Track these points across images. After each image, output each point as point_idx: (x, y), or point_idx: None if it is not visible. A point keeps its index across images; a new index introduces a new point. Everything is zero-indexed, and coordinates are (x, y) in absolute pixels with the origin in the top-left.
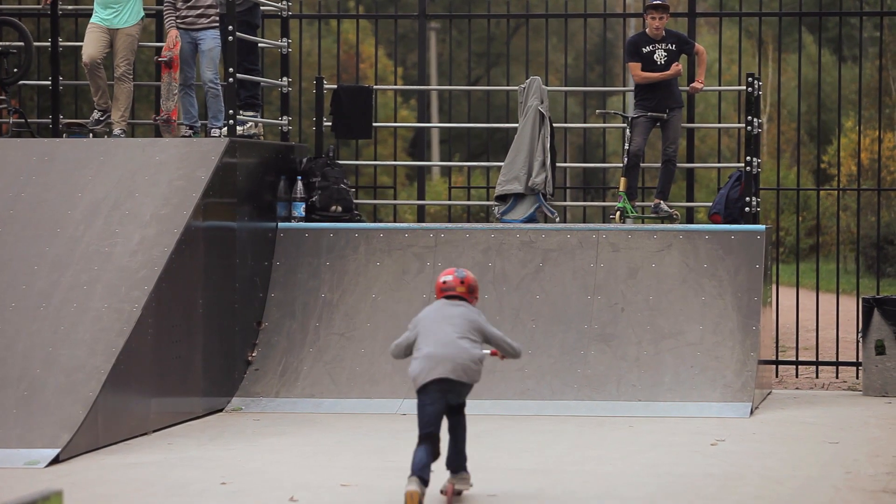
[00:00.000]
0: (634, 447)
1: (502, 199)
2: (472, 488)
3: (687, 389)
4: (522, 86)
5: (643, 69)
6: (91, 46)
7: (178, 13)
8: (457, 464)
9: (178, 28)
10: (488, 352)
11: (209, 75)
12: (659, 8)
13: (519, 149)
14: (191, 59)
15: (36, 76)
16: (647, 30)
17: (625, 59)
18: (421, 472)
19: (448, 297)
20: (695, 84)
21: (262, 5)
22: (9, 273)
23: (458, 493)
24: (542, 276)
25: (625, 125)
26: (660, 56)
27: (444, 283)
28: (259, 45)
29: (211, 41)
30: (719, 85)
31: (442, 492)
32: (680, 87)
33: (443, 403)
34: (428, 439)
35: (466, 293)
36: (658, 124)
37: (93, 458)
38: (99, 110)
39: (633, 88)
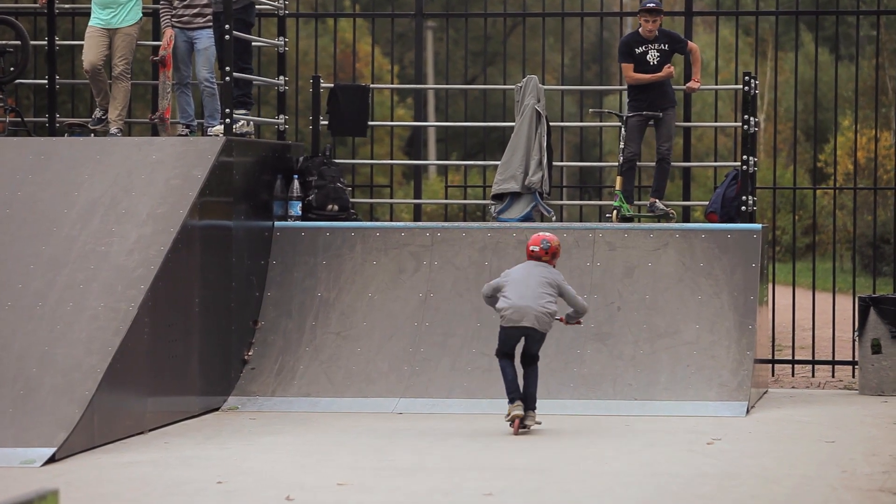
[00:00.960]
0: (630, 446)
1: (499, 197)
2: (468, 487)
3: (683, 388)
4: (519, 85)
5: (636, 69)
6: (91, 52)
7: (174, 12)
8: (528, 404)
9: (173, 27)
10: (558, 317)
11: (205, 74)
12: (652, 12)
13: (515, 148)
14: (186, 58)
15: (32, 75)
16: (640, 30)
17: (619, 59)
18: (516, 394)
19: (535, 260)
20: (691, 84)
21: (259, 4)
22: (4, 272)
23: (526, 426)
24: None
25: (620, 124)
26: (652, 56)
27: (532, 251)
28: (254, 43)
29: (206, 40)
30: (716, 84)
31: (510, 421)
32: (675, 87)
33: (518, 340)
34: (507, 356)
35: (550, 259)
36: (651, 123)
37: (89, 457)
38: (101, 109)
39: (627, 88)
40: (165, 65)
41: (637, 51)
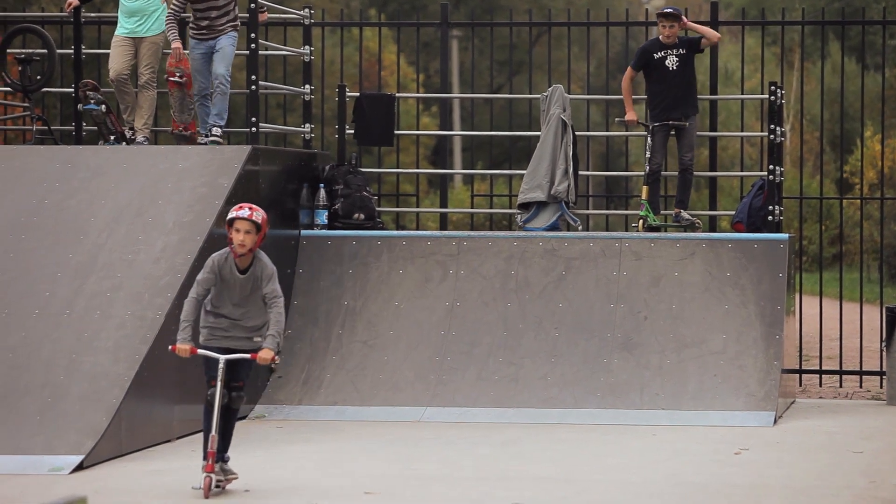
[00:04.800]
0: (657, 456)
1: (525, 207)
2: (495, 496)
3: (710, 398)
4: (545, 94)
5: (655, 75)
6: (117, 61)
7: (191, 23)
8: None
9: (192, 38)
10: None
11: (221, 70)
12: (669, 17)
13: (541, 157)
14: (206, 69)
15: (59, 84)
16: (660, 36)
17: (631, 62)
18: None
19: None
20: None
21: (285, 13)
22: (31, 280)
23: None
24: (564, 285)
25: (646, 133)
26: (671, 62)
27: None
28: (280, 52)
29: (226, 39)
30: (742, 93)
31: None
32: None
33: None
34: None
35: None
36: (673, 133)
37: (116, 465)
38: (129, 128)
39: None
40: (186, 85)
41: (656, 56)
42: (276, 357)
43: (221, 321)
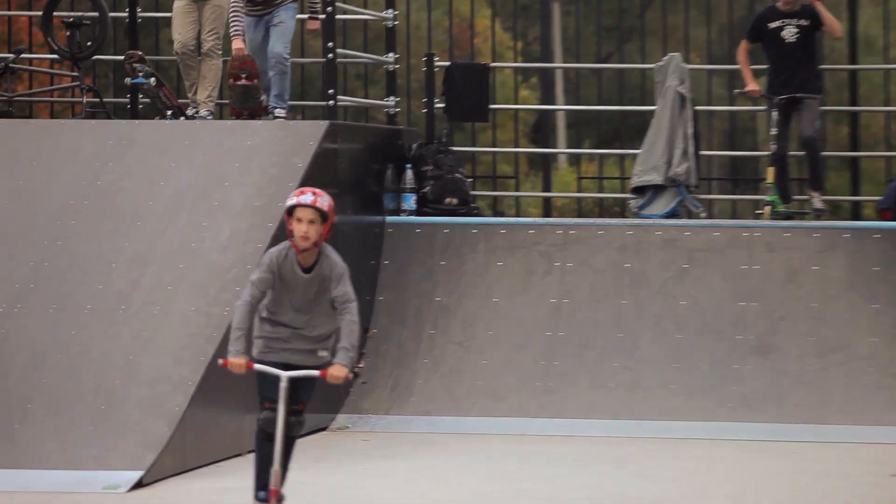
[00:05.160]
0: (800, 478)
1: (639, 191)
2: None
3: (859, 411)
4: (659, 64)
5: (770, 46)
6: (181, 31)
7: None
8: None
9: (248, 16)
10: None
11: (279, 49)
12: None
13: (657, 135)
14: (263, 51)
15: (111, 50)
16: (778, 2)
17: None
18: None
19: None
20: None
21: None
22: (83, 271)
23: None
24: (687, 280)
25: (768, 108)
26: (789, 33)
27: None
28: (361, 17)
29: (285, 13)
30: (884, 62)
31: None
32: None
33: None
34: None
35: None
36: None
37: (180, 482)
38: (192, 106)
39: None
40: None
41: (771, 26)
42: (350, 375)
43: (280, 330)
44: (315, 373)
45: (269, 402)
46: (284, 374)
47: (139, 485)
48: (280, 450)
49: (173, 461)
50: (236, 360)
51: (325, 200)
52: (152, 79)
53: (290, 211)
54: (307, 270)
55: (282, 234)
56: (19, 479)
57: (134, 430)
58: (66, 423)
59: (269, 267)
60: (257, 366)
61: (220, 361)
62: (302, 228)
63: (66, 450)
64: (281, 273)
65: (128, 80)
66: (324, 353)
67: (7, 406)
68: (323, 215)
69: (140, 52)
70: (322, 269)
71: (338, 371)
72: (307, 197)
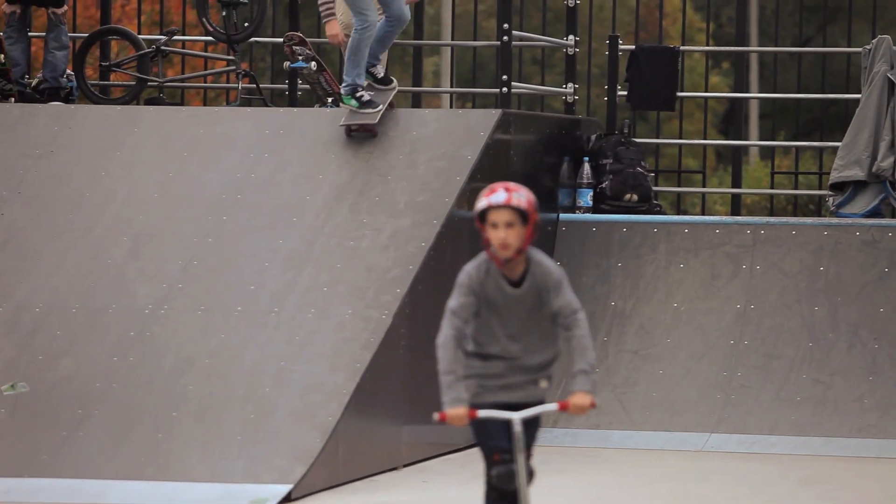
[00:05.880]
0: None
1: (839, 187)
2: None
3: None
4: (867, 47)
5: None
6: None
7: None
8: None
9: None
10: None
11: (406, 13)
12: None
13: (861, 125)
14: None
15: (269, 32)
16: None
17: None
18: None
19: None
20: None
21: None
22: (234, 271)
23: None
24: (887, 285)
25: None
26: None
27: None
28: None
29: None
30: None
31: None
32: None
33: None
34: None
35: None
36: None
37: (332, 496)
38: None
39: None
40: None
41: None
42: (595, 403)
43: (493, 364)
44: (553, 406)
45: (500, 453)
46: (517, 417)
47: (288, 499)
48: None
49: (325, 474)
50: (455, 412)
51: (521, 196)
52: (313, 63)
53: (482, 216)
54: (516, 284)
55: (448, 232)
56: (163, 492)
57: (284, 441)
58: (212, 433)
59: (470, 288)
60: (482, 412)
61: (436, 416)
62: (499, 235)
63: (212, 461)
64: (485, 294)
65: (286, 65)
66: (545, 384)
67: (151, 414)
68: (523, 214)
69: (300, 34)
70: (535, 279)
71: (581, 400)
72: (499, 195)
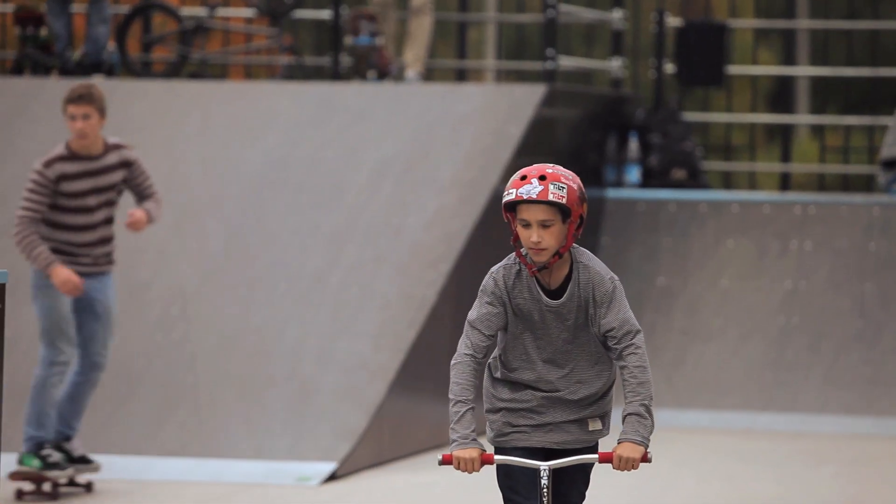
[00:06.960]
0: None
1: (890, 165)
2: None
3: None
4: None
5: None
6: None
7: None
8: None
9: None
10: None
11: None
12: None
13: None
14: None
15: (312, 5)
16: None
17: None
18: None
19: None
20: None
21: None
22: (278, 248)
23: None
24: None
25: None
26: None
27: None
28: None
29: None
30: None
31: None
32: None
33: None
34: None
35: None
36: None
37: (376, 475)
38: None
39: None
40: None
41: None
42: (649, 457)
43: (526, 396)
44: (592, 458)
45: None
46: (544, 466)
47: (333, 477)
48: None
49: (369, 453)
50: (465, 454)
51: (561, 188)
52: (378, 38)
53: (511, 208)
54: (555, 294)
55: (493, 208)
56: (207, 469)
57: (328, 419)
58: (257, 410)
59: (495, 296)
60: (499, 458)
61: (440, 458)
62: (531, 237)
63: (256, 439)
64: (514, 304)
65: (349, 39)
66: (596, 425)
67: (195, 392)
68: (564, 211)
69: (369, 10)
70: (579, 287)
71: (629, 452)
72: (532, 187)
